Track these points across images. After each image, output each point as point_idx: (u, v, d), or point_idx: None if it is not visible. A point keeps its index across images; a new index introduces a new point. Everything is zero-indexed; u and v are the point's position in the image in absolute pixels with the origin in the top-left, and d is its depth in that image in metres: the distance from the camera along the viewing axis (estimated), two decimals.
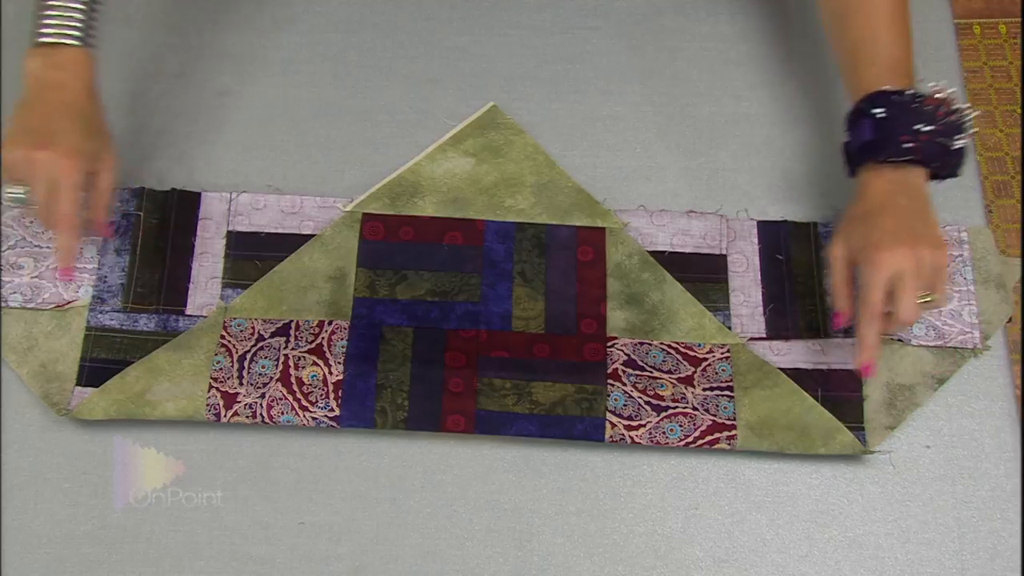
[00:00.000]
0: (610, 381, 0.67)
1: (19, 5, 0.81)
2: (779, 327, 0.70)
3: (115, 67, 0.78)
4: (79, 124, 0.64)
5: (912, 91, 0.63)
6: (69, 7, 0.64)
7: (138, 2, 0.81)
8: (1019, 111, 1.51)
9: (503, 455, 0.67)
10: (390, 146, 0.76)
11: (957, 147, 0.63)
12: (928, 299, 0.62)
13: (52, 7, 0.64)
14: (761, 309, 0.71)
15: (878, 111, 0.63)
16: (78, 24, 0.64)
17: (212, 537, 0.65)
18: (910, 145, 0.62)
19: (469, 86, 0.78)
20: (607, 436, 0.66)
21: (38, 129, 0.63)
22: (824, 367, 0.69)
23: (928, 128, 0.62)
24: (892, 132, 0.63)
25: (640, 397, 0.67)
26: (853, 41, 0.66)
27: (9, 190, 0.65)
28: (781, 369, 0.69)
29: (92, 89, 0.66)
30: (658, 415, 0.66)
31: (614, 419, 0.66)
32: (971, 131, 0.64)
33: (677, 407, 0.67)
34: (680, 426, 0.66)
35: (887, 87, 0.64)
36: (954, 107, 0.63)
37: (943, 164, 0.64)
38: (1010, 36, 1.56)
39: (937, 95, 0.63)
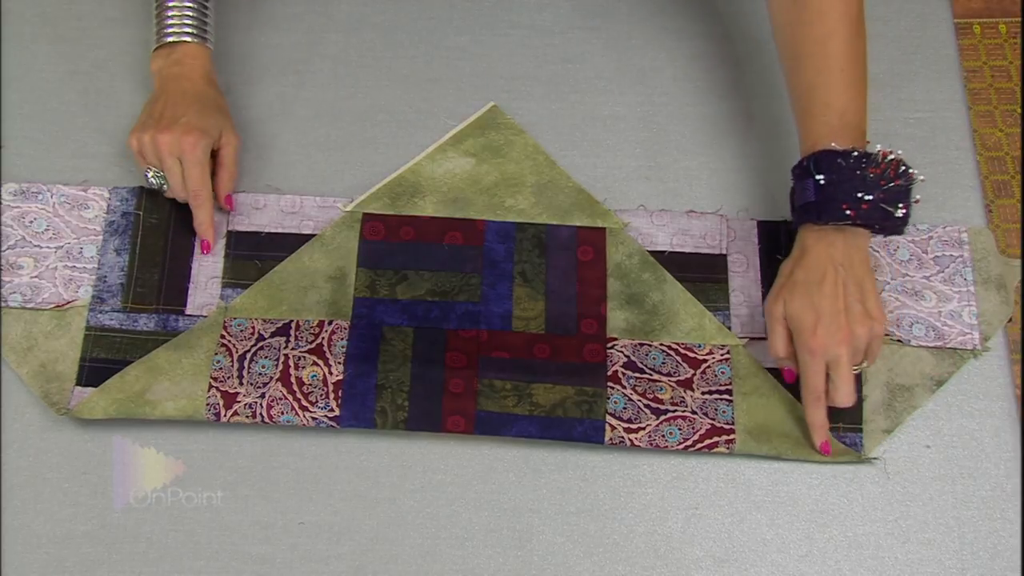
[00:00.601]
0: (610, 384, 0.67)
1: (20, 4, 0.81)
2: None
3: (114, 66, 0.79)
4: (198, 106, 0.70)
5: (858, 153, 0.63)
6: (183, 9, 0.72)
7: (138, 2, 0.81)
8: (1019, 111, 1.51)
9: (503, 455, 0.67)
10: (390, 146, 0.76)
11: (900, 215, 0.63)
12: (859, 368, 0.64)
13: (168, 10, 0.72)
14: (761, 309, 0.71)
15: (820, 177, 0.63)
16: (191, 23, 0.72)
17: (212, 537, 0.65)
18: (850, 212, 0.62)
19: (469, 86, 0.78)
20: (607, 438, 0.66)
21: (161, 115, 0.70)
22: None
23: (869, 197, 0.62)
24: (833, 197, 0.63)
25: (639, 400, 0.67)
26: (806, 87, 0.66)
27: (150, 173, 0.70)
28: (781, 369, 0.69)
29: (209, 76, 0.73)
30: (657, 418, 0.66)
31: (614, 422, 0.66)
32: (915, 198, 0.63)
33: (676, 410, 0.67)
34: (679, 429, 0.66)
35: (834, 145, 0.63)
36: (901, 171, 0.63)
37: (885, 228, 0.63)
38: (1010, 36, 1.56)
39: (885, 158, 0.63)
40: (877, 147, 0.63)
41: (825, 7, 0.64)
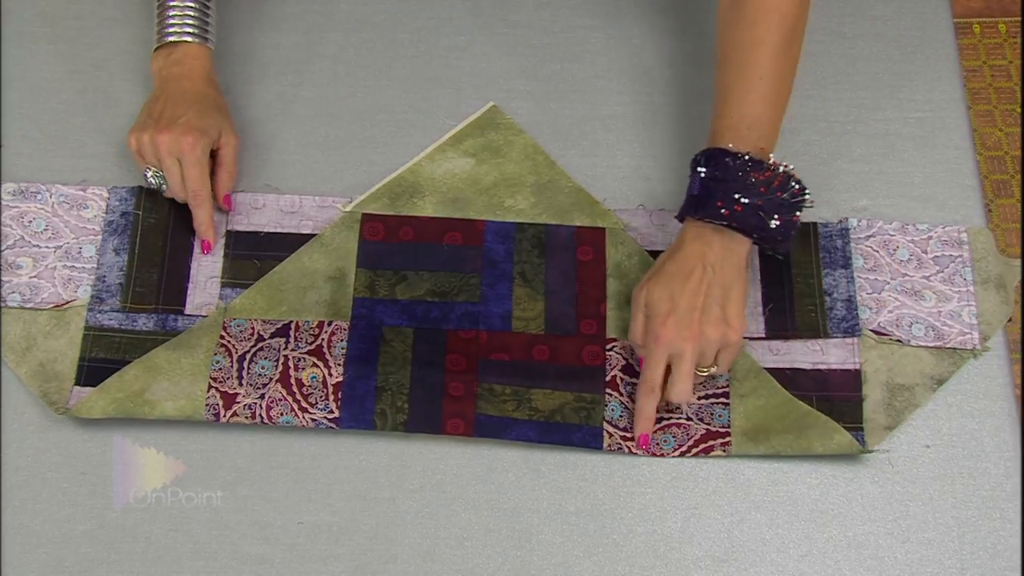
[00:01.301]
0: (608, 390, 0.67)
1: (20, 4, 0.81)
2: (778, 327, 0.70)
3: (114, 66, 0.79)
4: (197, 106, 0.70)
5: (748, 157, 0.63)
6: (185, 8, 0.72)
7: (138, 2, 0.81)
8: (1019, 110, 1.51)
9: (502, 455, 0.67)
10: (390, 146, 0.76)
11: (774, 225, 0.62)
12: (707, 372, 0.65)
13: (170, 10, 0.72)
14: (760, 309, 0.71)
15: (703, 171, 0.63)
16: (192, 23, 0.72)
17: (212, 537, 0.65)
18: (724, 211, 0.62)
19: (469, 86, 0.78)
20: (605, 444, 0.66)
21: (160, 115, 0.70)
22: (823, 367, 0.69)
23: (745, 200, 0.62)
24: (712, 194, 0.63)
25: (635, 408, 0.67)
26: (725, 85, 0.66)
27: (149, 173, 0.70)
28: (779, 369, 0.69)
29: (209, 76, 0.73)
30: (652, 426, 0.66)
31: (611, 429, 0.66)
32: (796, 213, 0.63)
33: (671, 418, 0.67)
34: (674, 436, 0.66)
35: (729, 146, 0.63)
36: (788, 185, 0.63)
37: (763, 238, 0.63)
38: (1010, 35, 1.56)
39: (775, 168, 0.63)
40: (776, 160, 0.63)
41: (759, 16, 0.65)
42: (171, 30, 0.71)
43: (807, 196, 0.64)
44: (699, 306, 0.63)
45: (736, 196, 0.62)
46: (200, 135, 0.69)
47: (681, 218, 0.67)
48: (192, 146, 0.68)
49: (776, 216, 0.63)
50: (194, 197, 0.70)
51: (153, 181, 0.71)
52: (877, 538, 0.65)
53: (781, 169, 0.63)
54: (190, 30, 0.72)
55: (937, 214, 0.74)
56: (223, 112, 0.73)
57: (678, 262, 0.65)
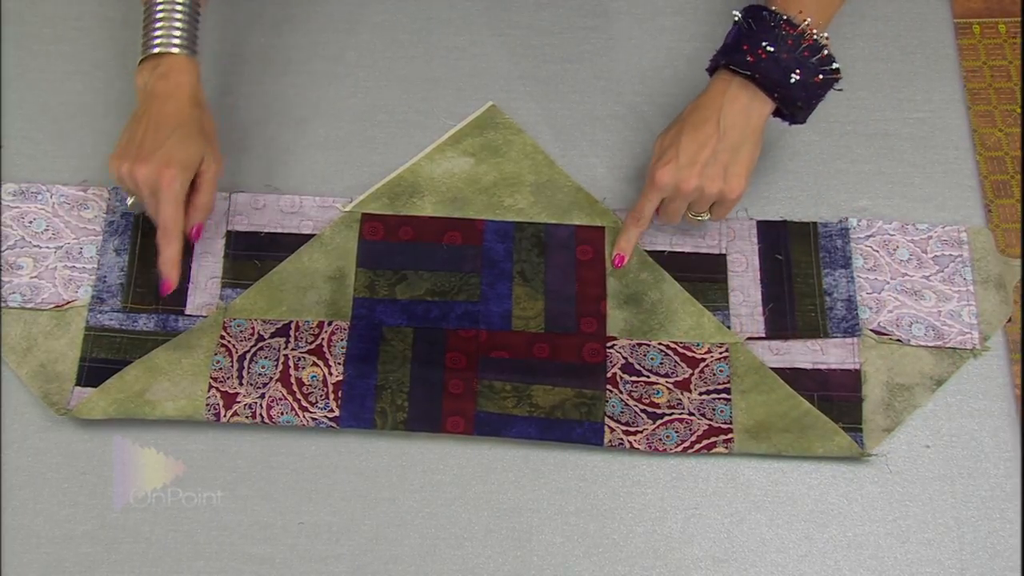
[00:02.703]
0: (608, 387, 0.67)
1: (20, 4, 0.81)
2: (778, 327, 0.70)
3: (115, 67, 0.79)
4: (179, 134, 0.66)
5: (786, 17, 0.64)
6: (172, 19, 0.67)
7: (137, 1, 0.81)
8: (1019, 111, 1.51)
9: (502, 455, 0.67)
10: (389, 146, 0.76)
11: (794, 80, 0.63)
12: (702, 217, 0.69)
13: (156, 20, 0.67)
14: (760, 309, 0.71)
15: (739, 17, 0.65)
16: (179, 34, 0.68)
17: (212, 537, 0.65)
18: (750, 57, 0.63)
19: (469, 86, 0.78)
20: (606, 440, 0.66)
21: (140, 142, 0.66)
22: (823, 367, 0.69)
23: (771, 49, 0.63)
24: (741, 41, 0.64)
25: (636, 405, 0.67)
26: None
27: (130, 201, 0.69)
28: (779, 369, 0.69)
29: (195, 95, 0.68)
30: (654, 422, 0.66)
31: (612, 424, 0.66)
32: (818, 76, 0.64)
33: (673, 413, 0.67)
34: (676, 432, 0.66)
35: (773, 7, 0.65)
36: (818, 48, 0.64)
37: (783, 98, 0.64)
38: (1009, 36, 1.56)
39: (810, 32, 0.64)
40: (814, 28, 0.64)
41: None
42: (157, 40, 0.67)
43: (836, 66, 0.64)
44: (701, 160, 0.65)
45: (764, 44, 0.63)
46: (179, 170, 0.65)
47: (711, 71, 0.68)
48: (170, 182, 0.64)
49: (797, 71, 0.63)
50: (164, 235, 0.65)
51: (133, 208, 0.70)
52: (877, 538, 0.65)
53: (815, 35, 0.64)
54: (177, 41, 0.67)
55: (937, 214, 0.74)
56: (207, 136, 0.68)
57: (696, 111, 0.66)
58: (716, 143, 0.65)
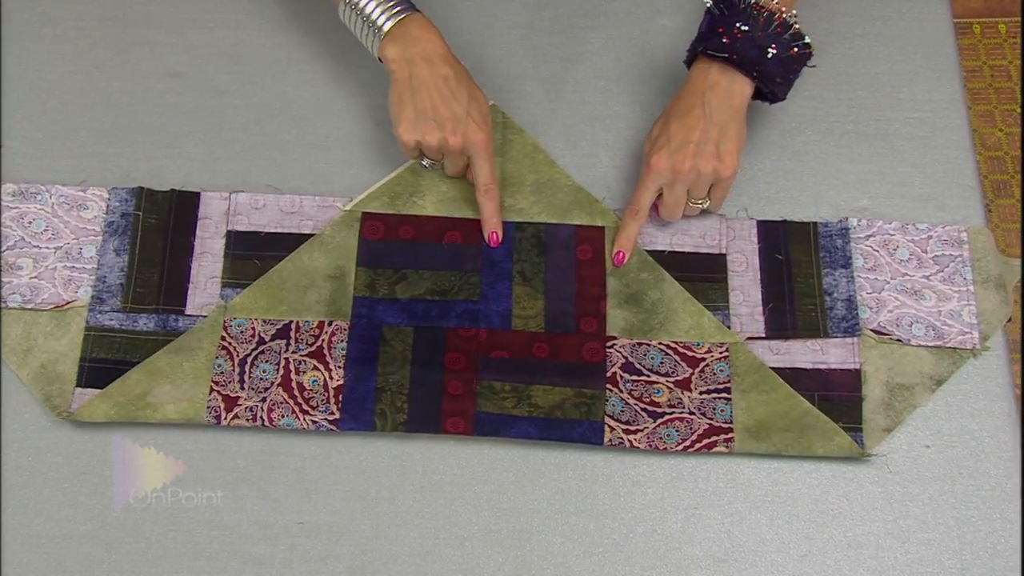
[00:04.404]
0: (608, 386, 0.67)
1: (20, 4, 0.81)
2: (778, 327, 0.70)
3: (114, 66, 0.79)
4: (466, 93, 0.68)
5: (755, 0, 0.66)
6: None
7: (137, 2, 0.81)
8: (1019, 110, 1.51)
9: (502, 455, 0.67)
10: (390, 145, 0.76)
11: (771, 55, 0.66)
12: (701, 204, 0.70)
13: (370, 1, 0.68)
14: (760, 309, 0.71)
15: (713, 7, 0.68)
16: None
17: (212, 537, 0.65)
18: (726, 39, 0.65)
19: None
20: (606, 440, 0.66)
21: (436, 112, 0.68)
22: (823, 367, 0.69)
23: (745, 28, 0.65)
24: (716, 26, 0.67)
25: (636, 404, 0.67)
26: None
27: (424, 162, 0.73)
28: (779, 368, 0.69)
29: (448, 49, 0.70)
30: (655, 421, 0.66)
31: (613, 423, 0.66)
32: (793, 49, 0.66)
33: (673, 412, 0.67)
34: (677, 431, 0.66)
35: None
36: (789, 25, 0.66)
37: (762, 75, 0.66)
38: (1010, 35, 1.56)
39: (779, 10, 0.66)
40: (783, 9, 0.66)
41: None
42: (396, 9, 0.68)
43: (807, 40, 0.67)
44: (694, 140, 0.67)
45: (738, 24, 0.66)
46: (488, 130, 0.69)
47: (689, 62, 0.71)
48: (485, 145, 0.68)
49: (773, 47, 0.65)
50: (486, 191, 0.70)
51: (427, 166, 0.73)
52: (877, 538, 0.65)
53: (785, 14, 0.66)
54: (404, 3, 0.69)
55: (937, 214, 0.74)
56: (476, 86, 0.70)
57: (679, 101, 0.69)
58: (705, 124, 0.67)
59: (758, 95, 0.69)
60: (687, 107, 0.68)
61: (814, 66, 0.69)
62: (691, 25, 0.81)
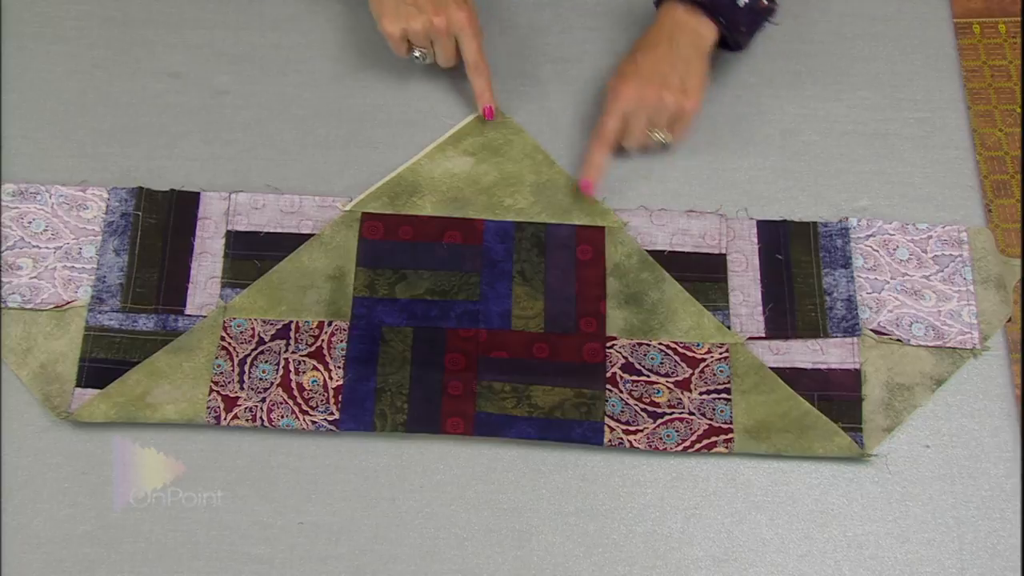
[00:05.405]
0: (608, 387, 0.67)
1: (20, 4, 0.81)
2: (778, 327, 0.70)
3: (114, 66, 0.79)
4: None
5: None
6: None
7: (137, 2, 0.81)
8: (1019, 110, 1.51)
9: (502, 455, 0.67)
10: (389, 146, 0.76)
11: (742, 4, 0.69)
12: (662, 138, 0.72)
13: None
14: (760, 309, 0.71)
15: None
16: None
17: (212, 537, 0.65)
18: None
19: (469, 86, 0.78)
20: (606, 440, 0.66)
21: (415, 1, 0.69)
22: (823, 367, 0.69)
23: None
24: None
25: (636, 404, 0.67)
26: None
27: (416, 53, 0.73)
28: (779, 369, 0.69)
29: None
30: (654, 421, 0.66)
31: (612, 423, 0.66)
32: (762, 2, 0.70)
33: (673, 412, 0.67)
34: (677, 431, 0.66)
35: None
36: None
37: (729, 22, 0.69)
38: (1009, 35, 1.56)
39: None
40: None
41: None
42: None
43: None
44: (661, 71, 0.69)
45: None
46: (470, 8, 0.70)
47: (657, 3, 0.73)
48: (469, 21, 0.70)
49: None
50: (476, 68, 0.72)
51: (420, 58, 0.74)
52: (877, 538, 0.65)
53: None
54: None
55: (937, 214, 0.74)
56: None
57: (646, 37, 0.72)
58: (672, 59, 0.69)
59: (721, 44, 0.72)
60: (654, 41, 0.70)
61: (777, 23, 0.72)
62: None
